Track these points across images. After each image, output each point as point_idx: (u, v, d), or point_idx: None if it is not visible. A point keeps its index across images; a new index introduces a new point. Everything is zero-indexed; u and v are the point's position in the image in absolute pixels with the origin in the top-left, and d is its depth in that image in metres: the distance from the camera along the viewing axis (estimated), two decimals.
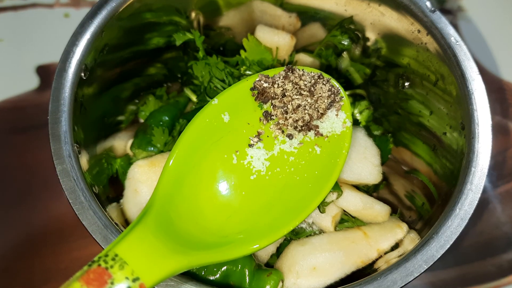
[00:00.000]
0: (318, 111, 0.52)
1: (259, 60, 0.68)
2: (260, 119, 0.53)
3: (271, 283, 0.53)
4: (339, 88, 0.53)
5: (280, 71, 0.54)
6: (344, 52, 0.70)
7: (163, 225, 0.45)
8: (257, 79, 0.54)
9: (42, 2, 0.90)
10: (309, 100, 0.52)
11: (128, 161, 0.64)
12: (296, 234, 0.60)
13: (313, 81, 0.53)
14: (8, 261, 0.70)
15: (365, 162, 0.61)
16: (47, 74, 0.84)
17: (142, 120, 0.70)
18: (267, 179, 0.51)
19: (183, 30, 0.67)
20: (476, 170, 0.50)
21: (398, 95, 0.66)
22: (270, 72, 0.54)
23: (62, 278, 0.42)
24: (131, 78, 0.67)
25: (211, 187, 0.51)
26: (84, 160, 0.53)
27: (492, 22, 0.93)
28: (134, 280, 0.40)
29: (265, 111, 0.53)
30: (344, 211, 0.62)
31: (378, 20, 0.63)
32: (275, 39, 0.68)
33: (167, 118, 0.67)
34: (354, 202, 0.60)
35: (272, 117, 0.52)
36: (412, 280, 0.46)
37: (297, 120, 0.51)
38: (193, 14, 0.66)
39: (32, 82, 0.83)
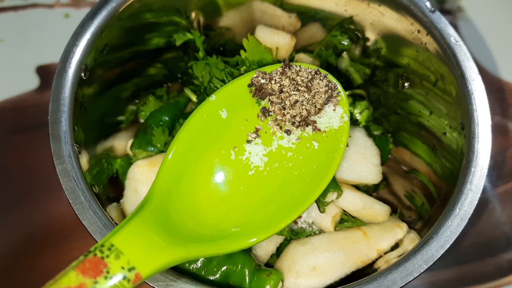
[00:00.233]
0: (315, 107, 0.52)
1: (259, 60, 0.68)
2: (258, 115, 0.53)
3: (271, 283, 0.53)
4: (336, 83, 0.53)
5: (277, 67, 0.54)
6: (344, 52, 0.70)
7: (160, 218, 0.45)
8: (255, 76, 0.54)
9: (42, 2, 0.90)
10: (306, 96, 0.52)
11: (128, 161, 0.64)
12: (296, 234, 0.60)
13: (310, 76, 0.53)
14: (8, 261, 0.70)
15: (365, 162, 0.61)
16: (47, 74, 0.84)
17: (142, 120, 0.70)
18: (265, 175, 0.51)
19: (183, 30, 0.67)
20: (476, 170, 0.50)
21: (398, 95, 0.66)
22: (267, 69, 0.54)
23: None
24: (131, 78, 0.67)
25: (209, 182, 0.51)
26: (84, 160, 0.53)
27: (492, 22, 0.93)
28: (130, 269, 0.40)
29: (263, 107, 0.53)
30: (344, 211, 0.62)
31: (378, 20, 0.63)
32: (275, 39, 0.68)
33: (167, 118, 0.67)
34: (354, 202, 0.60)
35: (270, 113, 0.52)
36: (412, 280, 0.46)
37: (294, 116, 0.51)
38: (193, 14, 0.66)
39: (32, 82, 0.83)
